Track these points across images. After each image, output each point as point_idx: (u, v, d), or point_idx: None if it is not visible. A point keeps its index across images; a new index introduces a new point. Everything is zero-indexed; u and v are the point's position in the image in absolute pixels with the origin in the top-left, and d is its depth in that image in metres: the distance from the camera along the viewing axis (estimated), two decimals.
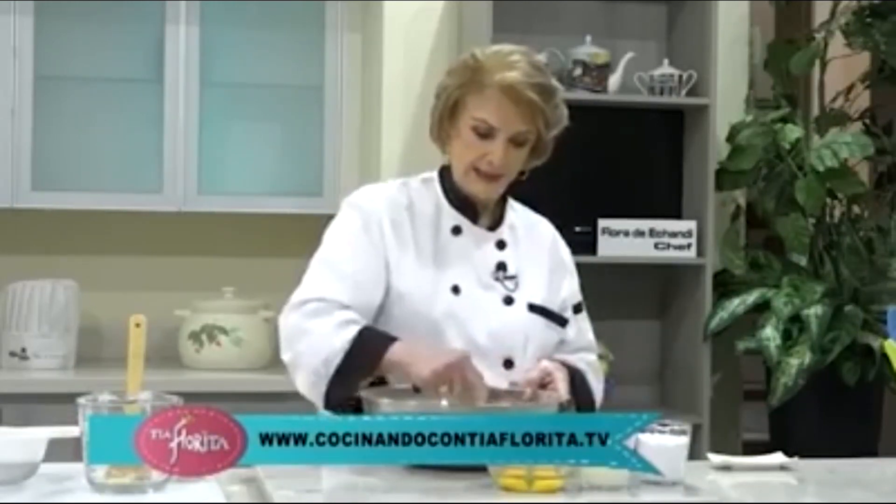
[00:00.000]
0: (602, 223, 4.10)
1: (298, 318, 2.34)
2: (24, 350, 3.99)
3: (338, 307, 2.33)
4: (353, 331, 2.29)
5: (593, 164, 4.19)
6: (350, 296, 2.34)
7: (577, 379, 2.43)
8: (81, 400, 1.97)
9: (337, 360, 2.27)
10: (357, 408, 2.29)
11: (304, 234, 4.23)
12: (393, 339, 2.29)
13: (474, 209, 2.48)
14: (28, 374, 3.94)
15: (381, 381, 2.33)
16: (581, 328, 2.58)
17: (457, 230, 2.45)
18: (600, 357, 3.98)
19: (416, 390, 2.25)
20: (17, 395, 3.74)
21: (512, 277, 2.47)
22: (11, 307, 4.02)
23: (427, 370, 2.21)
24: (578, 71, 4.14)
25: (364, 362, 2.28)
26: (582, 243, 4.02)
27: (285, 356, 2.37)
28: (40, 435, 2.05)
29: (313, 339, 2.30)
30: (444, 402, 2.25)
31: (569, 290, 2.56)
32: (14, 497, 1.94)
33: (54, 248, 4.29)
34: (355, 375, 2.28)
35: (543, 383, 2.34)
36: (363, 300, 2.36)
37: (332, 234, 2.45)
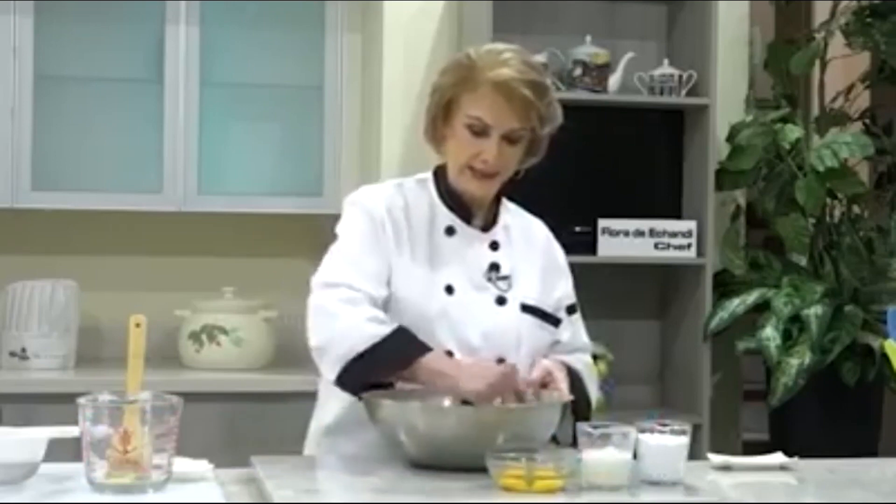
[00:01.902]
0: (602, 223, 4.10)
1: (330, 301, 2.32)
2: (24, 350, 3.99)
3: (368, 301, 2.32)
4: (387, 327, 2.29)
5: (593, 164, 4.19)
6: (374, 291, 2.35)
7: (574, 379, 2.43)
8: (81, 400, 1.97)
9: (365, 345, 2.25)
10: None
11: (304, 234, 4.26)
12: (429, 348, 2.29)
13: (468, 209, 2.48)
14: (28, 374, 3.94)
15: (384, 386, 2.32)
16: (575, 329, 2.58)
17: (450, 231, 2.46)
18: (600, 357, 4.01)
19: (466, 403, 2.25)
20: (17, 395, 3.74)
21: (505, 278, 2.47)
22: (11, 307, 4.02)
23: (483, 384, 2.22)
24: (578, 71, 4.14)
25: (393, 357, 2.27)
26: (582, 243, 4.02)
27: (314, 340, 2.33)
28: (40, 435, 2.05)
29: (346, 325, 2.28)
30: (447, 402, 2.25)
31: (563, 290, 2.56)
32: (14, 497, 1.94)
33: (54, 248, 4.29)
34: (379, 365, 2.27)
35: (544, 383, 2.35)
36: (380, 297, 2.36)
37: (346, 232, 2.45)
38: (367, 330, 2.27)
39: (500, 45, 2.45)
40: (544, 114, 2.41)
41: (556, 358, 2.46)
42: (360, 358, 2.26)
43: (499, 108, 2.36)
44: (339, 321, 2.30)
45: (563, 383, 2.35)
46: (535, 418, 2.23)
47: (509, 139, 2.39)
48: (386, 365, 2.28)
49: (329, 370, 2.31)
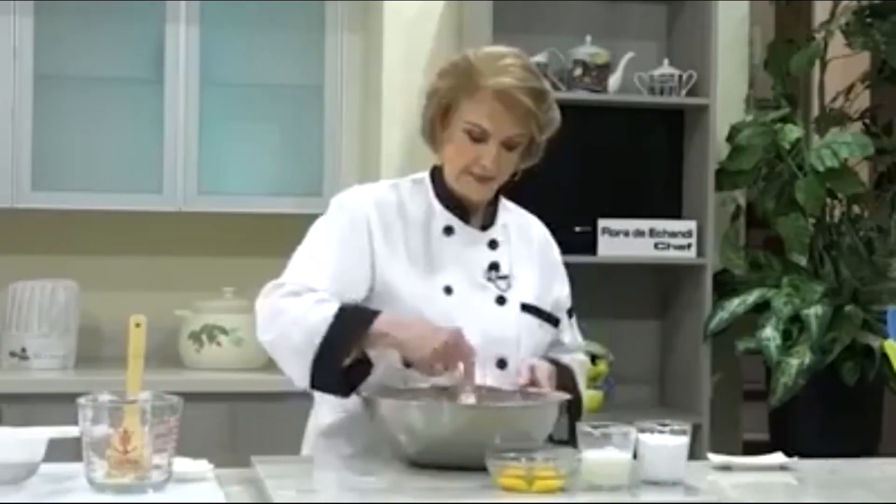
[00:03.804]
0: (602, 223, 4.10)
1: (275, 299, 2.34)
2: (24, 350, 3.99)
3: (309, 293, 2.33)
4: (333, 306, 2.29)
5: (593, 164, 4.19)
6: (317, 285, 2.34)
7: (567, 377, 2.43)
8: (81, 400, 1.97)
9: (321, 334, 2.26)
10: (348, 388, 2.28)
11: (305, 234, 4.25)
12: (376, 312, 2.29)
13: (466, 209, 2.47)
14: (28, 374, 3.94)
15: (362, 362, 2.31)
16: (574, 331, 2.60)
17: (449, 230, 2.45)
18: (600, 357, 4.02)
19: (407, 365, 2.26)
20: (17, 395, 3.74)
21: (504, 277, 2.46)
22: (11, 307, 4.02)
23: (426, 349, 2.22)
24: (578, 71, 4.14)
25: (348, 335, 2.26)
26: (582, 243, 4.02)
27: (265, 337, 2.35)
28: (40, 435, 2.05)
29: (292, 316, 2.29)
30: (447, 403, 2.24)
31: (560, 290, 2.56)
32: (14, 497, 1.94)
33: (54, 248, 4.29)
34: (340, 349, 2.26)
35: (532, 381, 2.34)
36: (328, 291, 2.34)
37: (317, 230, 2.45)
38: (316, 315, 2.27)
39: (500, 49, 2.44)
40: (543, 120, 2.40)
41: (556, 357, 2.46)
42: (321, 353, 2.26)
43: (498, 116, 2.36)
44: (284, 315, 2.30)
45: (545, 384, 2.34)
46: (533, 417, 2.22)
47: (507, 145, 2.38)
48: (344, 346, 2.26)
49: (286, 363, 2.32)
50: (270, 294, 2.36)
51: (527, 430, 2.19)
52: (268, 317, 2.34)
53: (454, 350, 2.24)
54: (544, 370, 2.37)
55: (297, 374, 2.32)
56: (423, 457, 2.17)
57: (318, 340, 2.26)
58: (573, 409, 2.35)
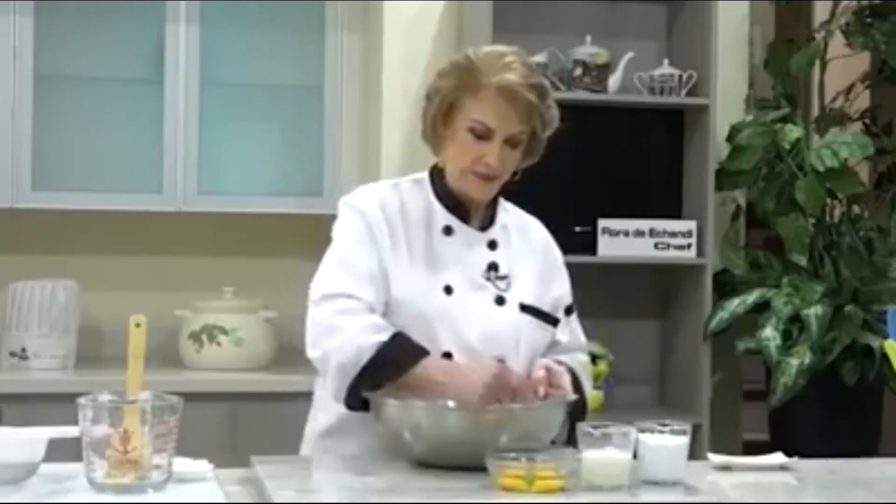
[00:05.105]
0: (602, 223, 4.10)
1: (328, 315, 2.33)
2: (24, 350, 3.99)
3: (367, 309, 2.33)
4: (385, 334, 2.29)
5: (593, 164, 4.19)
6: (372, 295, 2.35)
7: (573, 379, 2.43)
8: (81, 400, 1.97)
9: (366, 358, 2.27)
10: None
11: (304, 234, 4.26)
12: (426, 352, 2.29)
13: (466, 209, 2.48)
14: (28, 374, 3.94)
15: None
16: (573, 330, 2.59)
17: (448, 230, 2.45)
18: (600, 357, 4.02)
19: None
20: (17, 395, 3.74)
21: (504, 277, 2.47)
22: (11, 307, 4.02)
23: (475, 397, 2.21)
24: (578, 71, 4.14)
25: (392, 365, 2.27)
26: (582, 243, 4.02)
27: (314, 353, 2.35)
28: (40, 435, 2.05)
29: (344, 337, 2.29)
30: (451, 403, 2.24)
31: (560, 290, 2.56)
32: (14, 497, 1.94)
33: (54, 248, 4.29)
34: (381, 376, 2.27)
35: (550, 382, 2.34)
36: (381, 299, 2.37)
37: (340, 234, 2.45)
38: (364, 342, 2.28)
39: (500, 48, 2.45)
40: (546, 117, 2.42)
41: (555, 358, 2.46)
42: (359, 376, 2.27)
43: (503, 113, 2.37)
44: (338, 334, 2.30)
45: (567, 383, 2.34)
46: (539, 418, 2.23)
47: (511, 142, 2.39)
48: (381, 376, 2.28)
49: (332, 387, 2.32)
50: (321, 306, 2.35)
51: (533, 430, 2.19)
52: (319, 333, 2.35)
53: (502, 383, 2.24)
54: (557, 370, 2.37)
55: (340, 394, 2.32)
56: (429, 457, 2.17)
57: (359, 365, 2.27)
58: (574, 411, 2.35)
